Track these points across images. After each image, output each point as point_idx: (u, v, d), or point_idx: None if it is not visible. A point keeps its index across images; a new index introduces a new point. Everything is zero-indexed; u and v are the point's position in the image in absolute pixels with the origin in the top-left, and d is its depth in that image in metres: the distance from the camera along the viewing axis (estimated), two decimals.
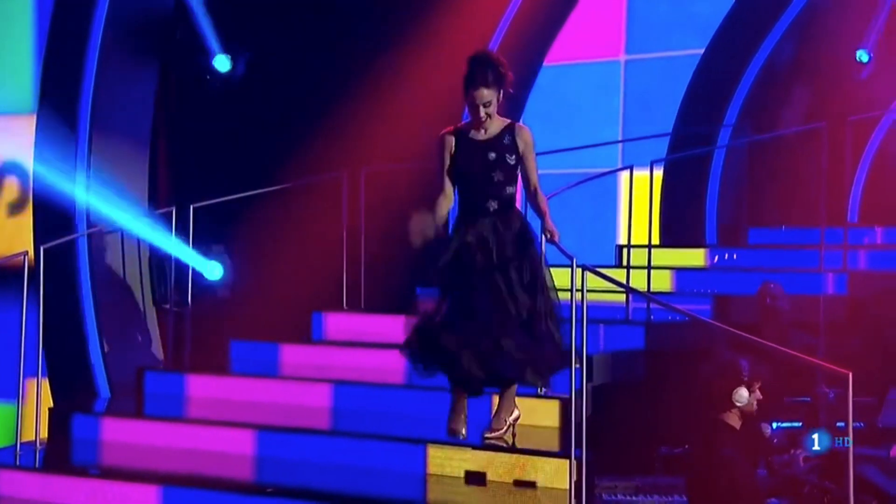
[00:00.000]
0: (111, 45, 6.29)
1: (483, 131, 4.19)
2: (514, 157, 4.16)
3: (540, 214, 4.23)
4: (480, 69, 4.07)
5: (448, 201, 4.27)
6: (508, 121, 4.23)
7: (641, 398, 5.55)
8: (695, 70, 8.85)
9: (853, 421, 5.01)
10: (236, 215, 6.83)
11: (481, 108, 4.10)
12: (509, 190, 4.19)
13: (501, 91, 4.12)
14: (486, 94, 4.08)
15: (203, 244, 6.55)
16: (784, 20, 8.61)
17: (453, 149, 4.20)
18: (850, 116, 7.36)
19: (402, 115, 7.45)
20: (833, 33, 8.27)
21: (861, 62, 8.16)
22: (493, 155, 4.14)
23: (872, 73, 8.19)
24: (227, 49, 6.75)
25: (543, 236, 4.20)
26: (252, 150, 7.22)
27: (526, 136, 4.20)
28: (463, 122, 4.28)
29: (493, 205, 4.16)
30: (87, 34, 6.30)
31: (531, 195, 4.27)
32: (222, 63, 6.76)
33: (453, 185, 4.24)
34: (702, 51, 8.90)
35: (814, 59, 8.49)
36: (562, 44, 9.55)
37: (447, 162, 4.22)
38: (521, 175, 4.25)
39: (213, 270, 6.63)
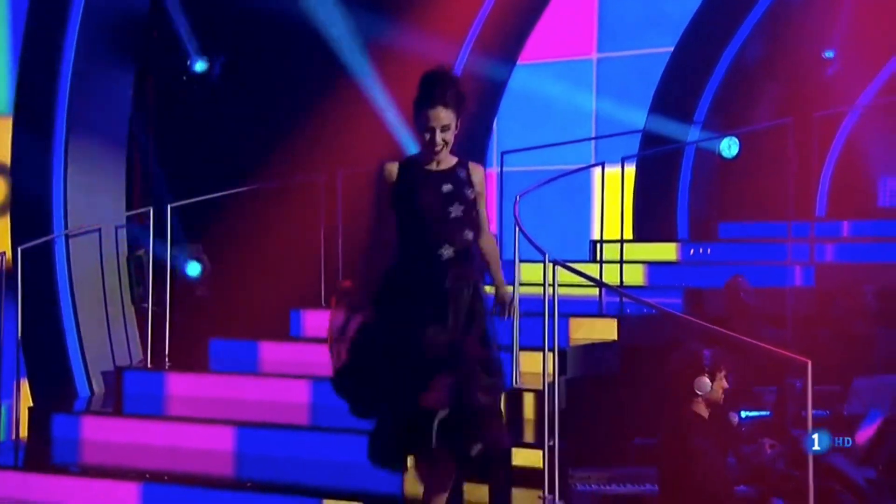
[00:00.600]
0: (87, 46, 6.30)
1: (434, 163, 3.45)
2: (471, 192, 3.46)
3: (491, 270, 3.55)
4: (438, 87, 3.36)
5: (386, 254, 3.46)
6: (458, 158, 3.52)
7: (615, 390, 5.65)
8: (665, 68, 9.01)
9: (819, 409, 5.17)
10: (214, 215, 6.87)
11: (437, 133, 3.36)
12: (467, 234, 3.44)
13: (459, 119, 3.41)
14: (444, 115, 3.35)
15: (181, 243, 6.60)
16: (751, 18, 8.78)
17: (395, 181, 3.42)
18: (815, 112, 7.53)
19: (379, 116, 7.53)
20: (799, 31, 8.43)
21: (827, 59, 8.33)
22: (447, 186, 3.42)
23: (838, 70, 8.36)
24: (204, 50, 6.79)
25: (495, 309, 3.53)
26: (230, 150, 7.26)
27: (481, 176, 3.52)
28: (412, 155, 3.56)
29: (448, 252, 3.38)
30: (63, 35, 6.31)
31: (481, 239, 3.53)
32: (199, 64, 6.79)
33: (396, 227, 3.43)
34: (672, 48, 9.05)
35: (781, 56, 8.66)
36: (535, 43, 9.68)
37: (385, 199, 3.42)
38: None
39: (191, 269, 6.67)
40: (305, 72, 7.49)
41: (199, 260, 6.70)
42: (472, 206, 3.46)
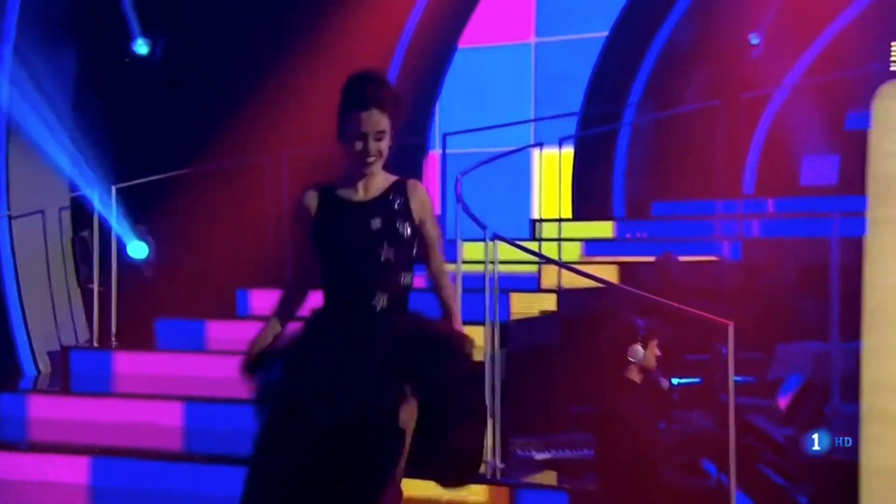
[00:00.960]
0: (29, 27, 6.28)
1: (361, 187, 2.82)
2: (408, 226, 2.81)
3: (446, 309, 2.94)
4: (372, 86, 2.76)
5: (300, 296, 2.93)
6: (396, 177, 2.88)
7: (554, 361, 5.88)
8: (600, 52, 9.28)
9: (746, 376, 5.47)
10: (160, 196, 6.91)
11: (371, 141, 2.74)
12: (405, 279, 2.82)
13: (394, 130, 2.79)
14: (380, 119, 2.74)
15: (127, 224, 6.63)
16: (682, 3, 9.09)
17: (315, 215, 2.80)
18: (742, 94, 7.85)
19: (323, 98, 7.61)
20: (728, 15, 8.75)
21: (753, 44, 8.67)
22: (377, 222, 2.78)
23: (764, 52, 8.70)
24: (147, 32, 6.80)
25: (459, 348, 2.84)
26: (176, 132, 7.28)
27: (423, 197, 2.86)
28: (333, 182, 2.88)
29: (382, 301, 2.77)
30: (3, 15, 6.29)
31: (434, 277, 2.95)
32: (142, 46, 6.81)
33: (318, 268, 2.84)
34: (607, 33, 9.32)
35: (710, 39, 8.97)
36: (475, 27, 9.87)
37: (304, 236, 2.84)
38: (419, 251, 2.91)
39: (137, 250, 6.71)
40: (251, 52, 7.54)
41: (145, 241, 6.74)
42: (408, 246, 2.81)
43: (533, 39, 10.02)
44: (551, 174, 7.61)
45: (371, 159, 2.79)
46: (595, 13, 9.43)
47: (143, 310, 6.35)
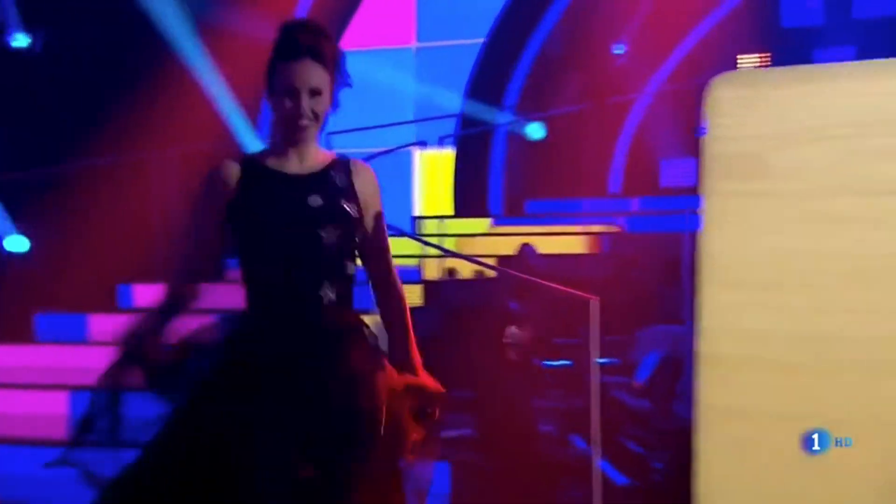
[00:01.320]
0: None
1: (295, 157, 2.29)
2: (353, 206, 2.28)
3: (401, 333, 2.45)
4: (308, 34, 2.25)
5: (191, 291, 2.35)
6: (334, 155, 2.36)
7: (435, 348, 6.15)
8: (477, 56, 9.71)
9: (612, 357, 5.89)
10: (42, 190, 6.82)
11: (304, 98, 2.21)
12: (350, 268, 2.28)
13: (335, 90, 2.29)
14: (316, 74, 2.23)
15: (6, 218, 6.53)
16: (555, 10, 9.61)
17: (234, 188, 2.25)
18: (608, 99, 8.40)
19: (210, 94, 7.68)
20: (597, 22, 9.31)
21: (617, 54, 9.27)
22: (316, 199, 2.24)
23: (628, 60, 9.31)
24: (26, 25, 6.71)
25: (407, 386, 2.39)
26: (58, 125, 7.19)
27: (370, 179, 2.35)
28: (257, 152, 2.36)
29: (330, 294, 2.23)
30: None
31: (380, 285, 2.40)
32: (20, 39, 6.72)
33: (240, 262, 2.28)
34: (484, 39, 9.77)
35: (580, 47, 9.52)
36: (357, 31, 10.12)
37: (213, 216, 2.27)
38: (362, 248, 2.33)
39: (16, 244, 6.62)
40: (135, 48, 7.53)
41: (24, 235, 6.66)
42: (352, 229, 2.27)
43: (414, 44, 10.36)
44: (433, 174, 7.93)
45: (304, 122, 2.23)
46: (473, 19, 9.85)
47: (21, 304, 6.27)
